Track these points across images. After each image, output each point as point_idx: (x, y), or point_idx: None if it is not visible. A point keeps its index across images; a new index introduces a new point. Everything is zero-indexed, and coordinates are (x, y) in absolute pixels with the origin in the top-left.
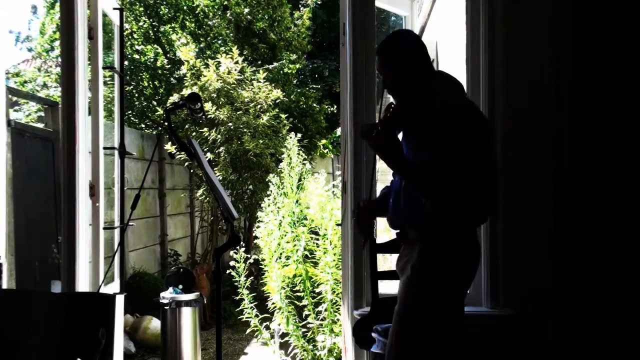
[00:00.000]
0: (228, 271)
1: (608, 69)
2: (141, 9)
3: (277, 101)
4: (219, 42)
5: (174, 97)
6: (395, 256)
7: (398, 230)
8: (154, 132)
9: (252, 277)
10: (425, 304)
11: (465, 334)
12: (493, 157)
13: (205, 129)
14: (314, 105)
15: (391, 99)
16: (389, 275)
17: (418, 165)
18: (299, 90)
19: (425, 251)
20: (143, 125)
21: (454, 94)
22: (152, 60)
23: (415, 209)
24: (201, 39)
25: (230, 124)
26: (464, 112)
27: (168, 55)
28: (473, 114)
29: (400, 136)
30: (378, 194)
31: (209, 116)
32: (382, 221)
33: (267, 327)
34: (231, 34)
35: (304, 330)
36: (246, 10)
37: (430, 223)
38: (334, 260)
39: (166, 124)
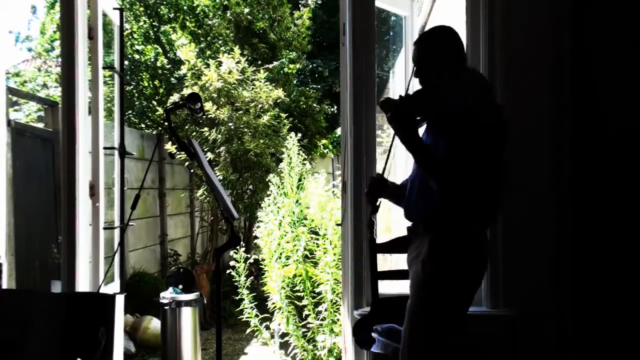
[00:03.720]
0: (228, 271)
1: (609, 70)
2: (141, 9)
3: (278, 101)
4: (219, 42)
5: (174, 97)
6: (395, 256)
7: (411, 224)
8: (154, 132)
9: (252, 277)
10: (435, 298)
11: (466, 334)
12: (497, 157)
13: (206, 129)
14: (314, 105)
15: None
16: (389, 275)
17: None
18: (299, 90)
19: (434, 245)
20: (143, 125)
21: (474, 90)
22: (152, 60)
23: (425, 202)
24: (201, 39)
25: (230, 124)
26: (475, 106)
27: (168, 55)
28: (483, 111)
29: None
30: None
31: (209, 116)
32: (382, 221)
33: (267, 327)
34: (231, 34)
35: (304, 330)
36: (246, 10)
37: (437, 217)
38: (334, 260)
39: (166, 123)
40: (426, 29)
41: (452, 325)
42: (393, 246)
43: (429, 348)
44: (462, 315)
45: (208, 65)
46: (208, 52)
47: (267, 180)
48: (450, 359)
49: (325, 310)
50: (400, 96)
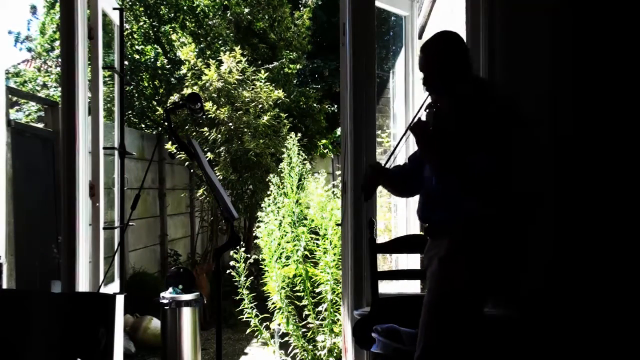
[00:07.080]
0: (228, 271)
1: (609, 69)
2: (141, 9)
3: (278, 102)
4: (219, 42)
5: (174, 97)
6: (395, 256)
7: (427, 225)
8: (154, 132)
9: (252, 277)
10: (451, 295)
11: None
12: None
13: (206, 129)
14: (314, 105)
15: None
16: (389, 275)
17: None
18: (299, 90)
19: (453, 245)
20: (143, 125)
21: (485, 97)
22: (152, 60)
23: (444, 209)
24: (201, 39)
25: (230, 124)
26: (488, 112)
27: (168, 55)
28: (502, 114)
29: None
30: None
31: (209, 116)
32: (381, 221)
33: (267, 327)
34: (231, 34)
35: (304, 330)
36: (246, 10)
37: (459, 222)
38: (334, 260)
39: (166, 123)
40: (426, 29)
41: (467, 321)
42: (393, 246)
43: (444, 341)
44: (478, 313)
45: (208, 65)
46: (208, 52)
47: (267, 180)
48: (464, 352)
49: (325, 310)
50: (429, 126)
